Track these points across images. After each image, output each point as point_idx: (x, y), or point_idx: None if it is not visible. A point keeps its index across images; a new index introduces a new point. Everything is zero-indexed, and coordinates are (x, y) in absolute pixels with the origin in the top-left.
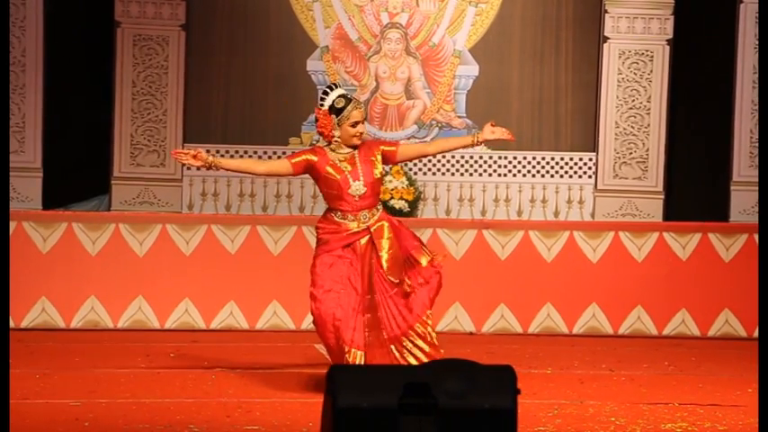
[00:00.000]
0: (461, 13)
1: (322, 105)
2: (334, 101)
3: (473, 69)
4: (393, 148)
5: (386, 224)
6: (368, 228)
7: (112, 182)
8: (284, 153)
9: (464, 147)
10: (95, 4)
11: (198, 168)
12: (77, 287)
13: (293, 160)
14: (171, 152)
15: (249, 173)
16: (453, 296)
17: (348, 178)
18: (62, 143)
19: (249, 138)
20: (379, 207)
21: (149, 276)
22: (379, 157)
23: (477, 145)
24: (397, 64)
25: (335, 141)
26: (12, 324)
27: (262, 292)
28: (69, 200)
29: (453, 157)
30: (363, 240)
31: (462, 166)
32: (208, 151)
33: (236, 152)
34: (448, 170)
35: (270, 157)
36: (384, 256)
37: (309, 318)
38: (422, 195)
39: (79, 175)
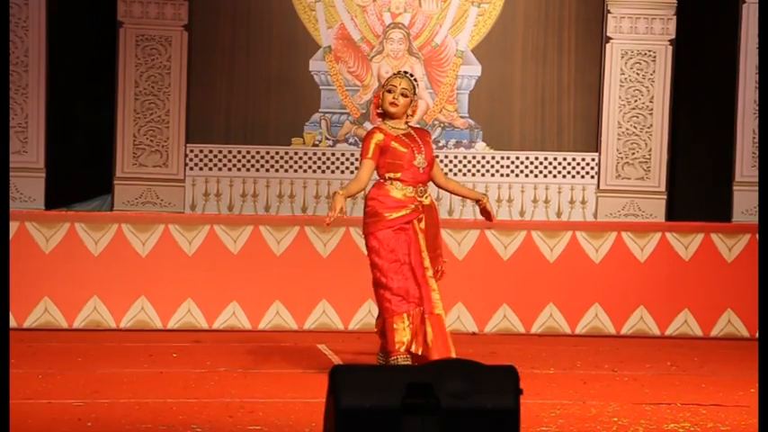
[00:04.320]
0: (464, 14)
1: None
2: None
3: (475, 69)
4: (434, 154)
5: (435, 204)
6: (421, 205)
7: (115, 182)
8: (286, 153)
9: (470, 198)
10: (98, 5)
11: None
12: (80, 287)
13: (369, 155)
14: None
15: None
16: (456, 296)
17: (414, 151)
18: (65, 143)
19: (251, 138)
20: (428, 186)
21: (152, 276)
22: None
23: (480, 205)
24: (400, 64)
25: (383, 117)
26: (14, 324)
27: (264, 293)
28: (72, 200)
29: (456, 157)
30: (417, 219)
31: (465, 166)
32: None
33: (239, 152)
34: (450, 170)
35: (272, 157)
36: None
37: (312, 318)
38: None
39: (82, 176)
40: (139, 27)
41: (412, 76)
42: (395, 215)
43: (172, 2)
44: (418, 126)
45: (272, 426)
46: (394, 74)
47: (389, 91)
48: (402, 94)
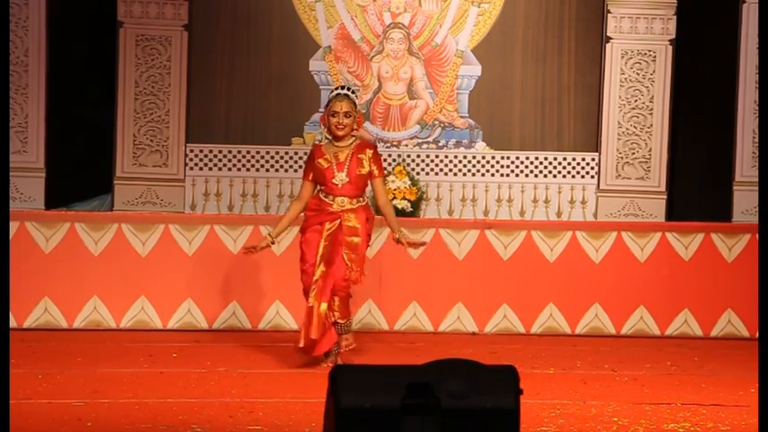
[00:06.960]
0: (464, 13)
1: None
2: (329, 96)
3: (476, 69)
4: (377, 173)
5: (353, 216)
6: (340, 213)
7: (115, 182)
8: (286, 153)
9: (390, 229)
10: (98, 5)
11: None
12: (80, 287)
13: (309, 178)
14: (243, 252)
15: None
16: (456, 296)
17: (333, 169)
18: (65, 143)
19: (251, 138)
20: (361, 200)
21: (152, 276)
22: (368, 160)
23: (400, 243)
24: (400, 64)
25: (329, 136)
26: (14, 324)
27: (264, 293)
28: (72, 200)
29: (456, 157)
30: (333, 222)
31: (465, 166)
32: (269, 237)
33: (239, 152)
34: (450, 170)
35: (272, 157)
36: (347, 239)
37: None
38: (424, 195)
39: (82, 175)
40: (139, 27)
41: (351, 90)
42: (310, 214)
43: (172, 2)
44: (366, 140)
45: (272, 426)
46: (335, 95)
47: (333, 115)
48: (345, 116)
